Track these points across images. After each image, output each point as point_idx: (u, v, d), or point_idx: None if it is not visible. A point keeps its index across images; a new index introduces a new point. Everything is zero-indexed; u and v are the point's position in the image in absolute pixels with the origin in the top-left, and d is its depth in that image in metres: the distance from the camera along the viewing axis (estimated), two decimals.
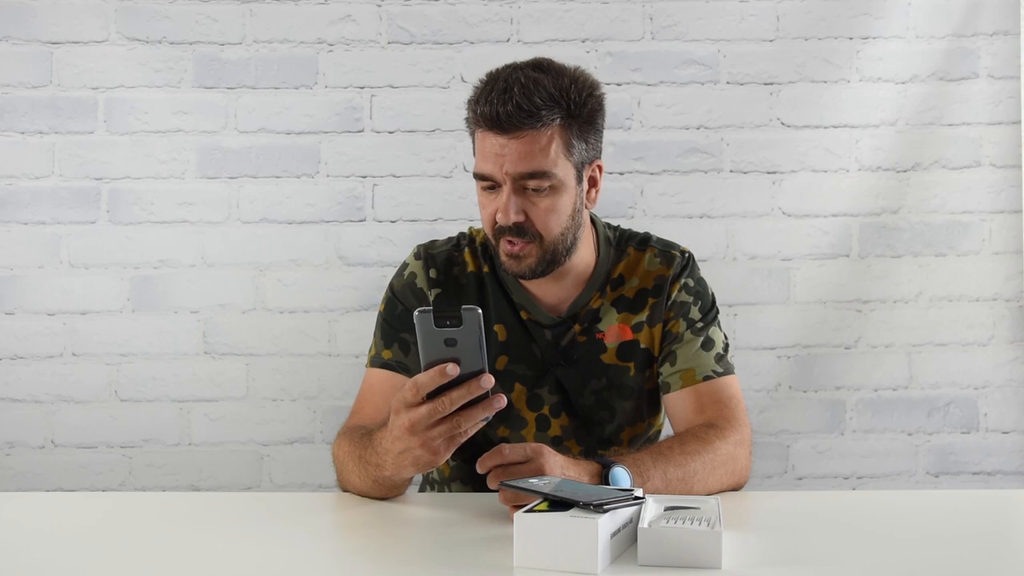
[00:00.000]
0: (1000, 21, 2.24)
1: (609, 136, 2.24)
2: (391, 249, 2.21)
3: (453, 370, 1.10)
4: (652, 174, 2.25)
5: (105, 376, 2.22)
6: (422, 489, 1.65)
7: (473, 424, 1.14)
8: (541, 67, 1.42)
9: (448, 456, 1.17)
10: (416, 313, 1.10)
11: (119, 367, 2.22)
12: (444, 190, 2.24)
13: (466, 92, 2.19)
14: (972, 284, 2.25)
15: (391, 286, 1.57)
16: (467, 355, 1.10)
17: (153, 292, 2.22)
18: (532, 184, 1.39)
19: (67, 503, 1.44)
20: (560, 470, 1.22)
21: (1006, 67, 2.24)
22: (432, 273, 1.55)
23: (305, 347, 2.23)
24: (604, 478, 1.26)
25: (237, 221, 2.24)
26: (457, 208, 2.21)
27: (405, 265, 1.58)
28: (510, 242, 1.42)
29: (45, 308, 2.22)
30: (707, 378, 1.48)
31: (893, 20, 2.24)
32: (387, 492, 1.33)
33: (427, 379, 1.11)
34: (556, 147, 1.39)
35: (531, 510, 1.06)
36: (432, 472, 1.61)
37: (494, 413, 1.14)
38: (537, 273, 1.45)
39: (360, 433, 1.35)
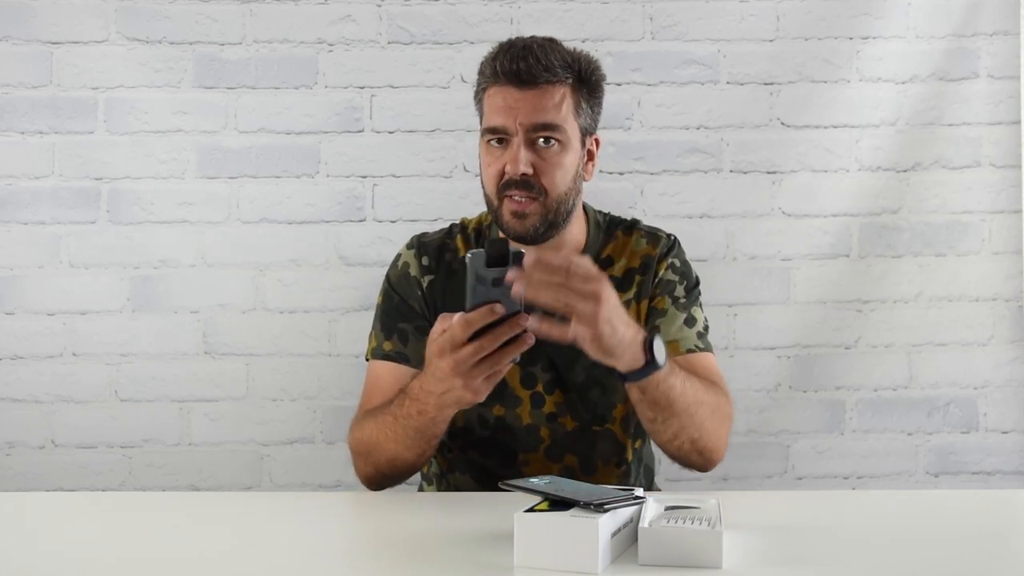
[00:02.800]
0: (1000, 21, 2.24)
1: (609, 136, 2.24)
2: (391, 249, 2.18)
3: (500, 308, 1.16)
4: (652, 174, 2.25)
5: (105, 376, 2.22)
6: (421, 488, 1.66)
7: (508, 360, 1.20)
8: (551, 39, 1.52)
9: (487, 393, 1.23)
10: (468, 255, 1.16)
11: (119, 367, 2.22)
12: (444, 190, 2.24)
13: (466, 92, 2.20)
14: (972, 284, 2.25)
15: (387, 278, 1.61)
16: (508, 296, 1.18)
17: (153, 292, 2.22)
18: (543, 135, 1.45)
19: (67, 503, 1.44)
20: (611, 314, 1.21)
21: (1006, 67, 2.24)
22: (425, 261, 1.58)
23: (305, 347, 2.23)
24: (648, 343, 1.29)
25: (237, 221, 2.24)
26: (457, 208, 2.20)
27: (399, 256, 1.62)
28: (516, 200, 1.46)
29: (45, 308, 2.21)
30: (690, 351, 1.52)
31: (893, 20, 2.24)
32: (427, 441, 1.36)
33: (478, 316, 1.16)
34: (567, 105, 1.46)
35: (531, 510, 1.06)
36: (431, 465, 1.62)
37: (525, 350, 1.20)
38: (539, 234, 1.48)
39: (387, 403, 1.39)
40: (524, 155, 1.44)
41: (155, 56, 2.22)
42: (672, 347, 1.51)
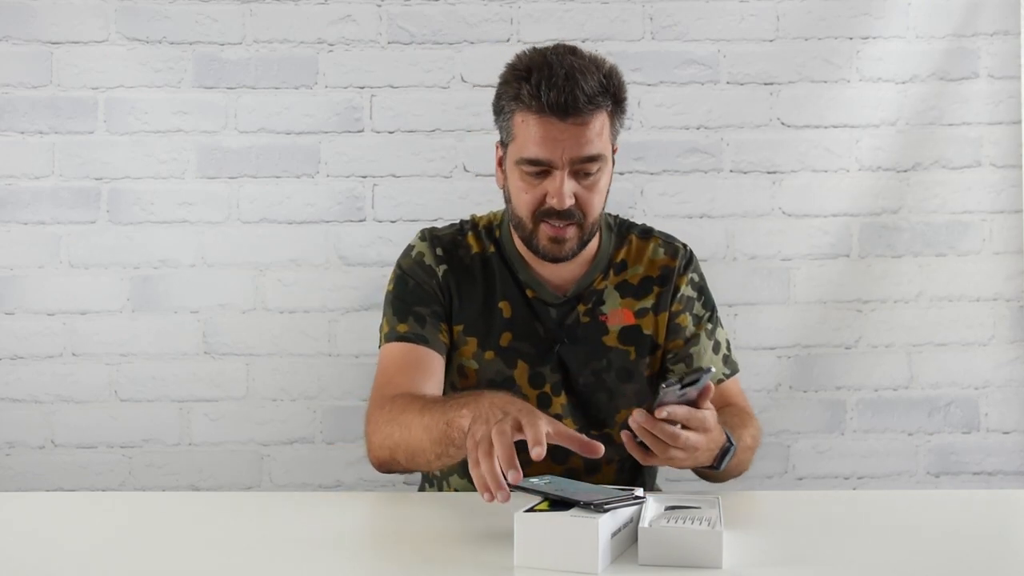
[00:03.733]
0: (1000, 21, 2.24)
1: None
2: (391, 249, 2.21)
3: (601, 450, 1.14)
4: (652, 174, 2.25)
5: (105, 376, 2.22)
6: (421, 488, 1.65)
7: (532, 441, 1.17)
8: (576, 53, 1.45)
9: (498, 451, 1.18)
10: (664, 386, 1.16)
11: (119, 367, 2.22)
12: (444, 190, 2.24)
13: (467, 92, 2.22)
14: (972, 284, 2.25)
15: (399, 266, 1.59)
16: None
17: (153, 292, 2.22)
18: (587, 168, 1.43)
19: (67, 503, 1.44)
20: (698, 454, 1.26)
21: (1006, 67, 2.24)
22: (439, 251, 1.57)
23: (305, 347, 2.23)
24: (723, 454, 1.33)
25: (237, 221, 2.24)
26: (457, 208, 2.20)
27: (411, 247, 1.60)
28: (554, 226, 1.45)
29: (45, 308, 2.21)
30: (719, 381, 1.57)
31: (893, 20, 2.24)
32: (442, 456, 1.31)
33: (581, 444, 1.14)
34: (606, 131, 1.45)
35: (531, 510, 1.06)
36: None
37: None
38: (574, 254, 1.50)
39: (435, 399, 1.38)
40: (569, 187, 1.42)
41: (155, 56, 2.22)
42: None
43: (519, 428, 1.12)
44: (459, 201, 2.22)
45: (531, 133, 1.42)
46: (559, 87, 1.38)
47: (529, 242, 1.49)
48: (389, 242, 2.22)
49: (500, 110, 1.48)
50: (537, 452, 1.07)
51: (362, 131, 2.24)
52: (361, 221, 2.24)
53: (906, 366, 2.25)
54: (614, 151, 1.53)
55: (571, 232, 1.46)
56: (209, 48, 2.23)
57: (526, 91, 1.41)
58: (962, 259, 2.24)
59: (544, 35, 2.22)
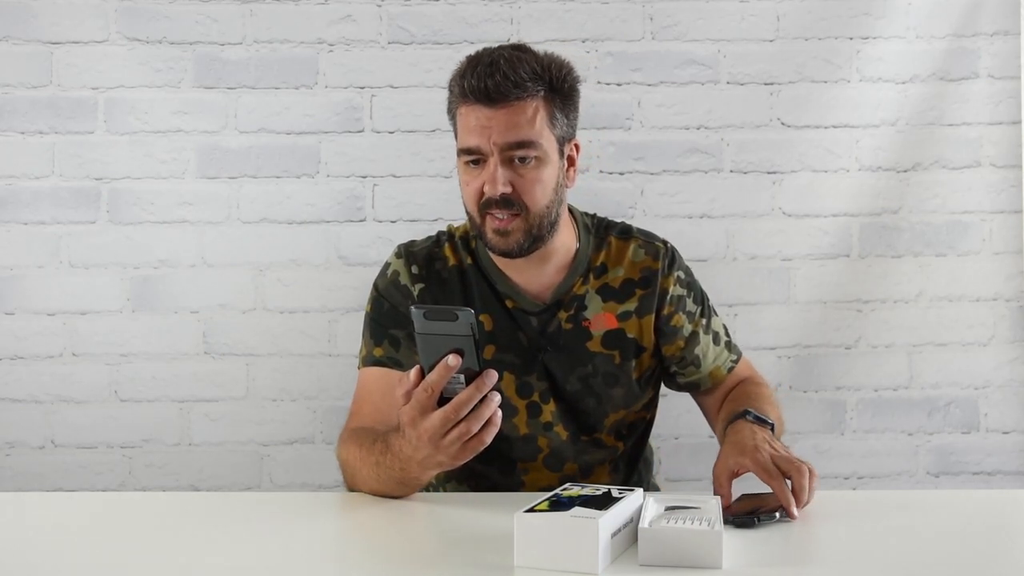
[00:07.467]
0: (1000, 21, 2.24)
1: (609, 136, 2.24)
2: (391, 249, 2.20)
3: (455, 360, 1.11)
4: (652, 174, 2.25)
5: (105, 376, 2.22)
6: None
7: (480, 424, 1.14)
8: (520, 48, 1.47)
9: (470, 456, 1.18)
10: (412, 308, 1.11)
11: (119, 367, 2.22)
12: (444, 190, 2.24)
13: None
14: (972, 284, 2.25)
15: (375, 286, 1.59)
16: (464, 356, 1.11)
17: (153, 292, 2.22)
18: (519, 154, 1.42)
19: (67, 503, 1.44)
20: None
21: (1006, 67, 2.24)
22: (414, 269, 1.57)
23: (305, 347, 2.23)
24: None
25: (237, 221, 2.24)
26: (457, 208, 2.17)
27: (387, 264, 1.60)
28: (497, 217, 1.44)
29: (45, 308, 2.22)
30: (729, 370, 1.61)
31: (893, 20, 2.24)
32: (411, 490, 1.35)
33: (436, 376, 1.12)
34: (541, 119, 1.43)
35: (531, 510, 1.06)
36: None
37: (497, 406, 1.15)
38: (524, 249, 1.46)
39: (371, 438, 1.35)
40: (501, 174, 1.42)
41: (155, 56, 2.22)
42: (715, 375, 1.60)
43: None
44: (459, 201, 2.20)
45: (464, 123, 1.44)
46: (480, 74, 1.40)
47: (481, 238, 1.49)
48: (389, 242, 2.22)
49: (448, 111, 1.50)
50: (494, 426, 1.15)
51: (362, 131, 2.24)
52: (361, 221, 2.24)
53: (906, 366, 2.25)
54: (575, 147, 1.51)
55: (515, 224, 1.44)
56: (209, 48, 2.23)
57: (456, 83, 1.44)
58: (962, 259, 2.25)
59: (544, 35, 2.22)
